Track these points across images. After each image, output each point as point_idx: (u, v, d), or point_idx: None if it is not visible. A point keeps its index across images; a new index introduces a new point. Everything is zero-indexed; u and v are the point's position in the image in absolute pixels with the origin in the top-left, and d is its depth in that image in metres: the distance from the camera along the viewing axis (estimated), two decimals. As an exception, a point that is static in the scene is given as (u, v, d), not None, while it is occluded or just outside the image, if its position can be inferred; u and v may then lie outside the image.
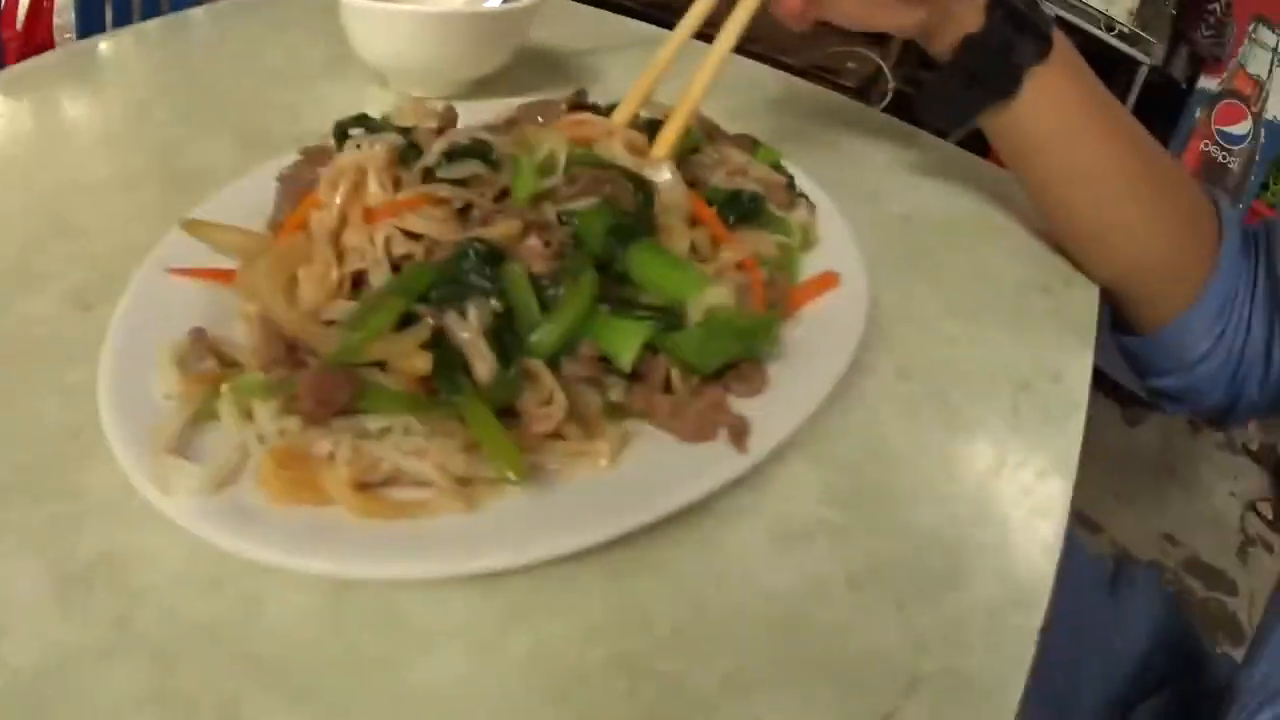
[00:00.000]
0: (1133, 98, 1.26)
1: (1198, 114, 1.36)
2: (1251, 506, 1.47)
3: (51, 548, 0.30)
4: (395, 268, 0.34)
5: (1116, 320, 0.54)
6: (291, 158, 0.41)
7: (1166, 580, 1.34)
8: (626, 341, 0.32)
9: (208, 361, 0.33)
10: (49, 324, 0.38)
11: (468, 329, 0.31)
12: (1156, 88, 1.31)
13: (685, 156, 0.43)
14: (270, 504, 0.29)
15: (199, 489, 0.29)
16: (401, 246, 0.34)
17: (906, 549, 0.33)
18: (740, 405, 0.34)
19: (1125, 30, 1.21)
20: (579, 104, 0.45)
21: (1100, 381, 0.52)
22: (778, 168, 0.46)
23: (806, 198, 0.45)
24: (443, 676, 0.28)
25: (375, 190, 0.35)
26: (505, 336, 0.32)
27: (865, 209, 0.52)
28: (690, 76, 0.42)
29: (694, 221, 0.38)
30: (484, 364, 0.31)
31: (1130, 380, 0.58)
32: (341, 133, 0.39)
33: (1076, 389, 0.43)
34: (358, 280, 0.35)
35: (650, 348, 0.33)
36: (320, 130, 0.40)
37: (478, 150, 0.36)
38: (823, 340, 0.37)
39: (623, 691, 0.28)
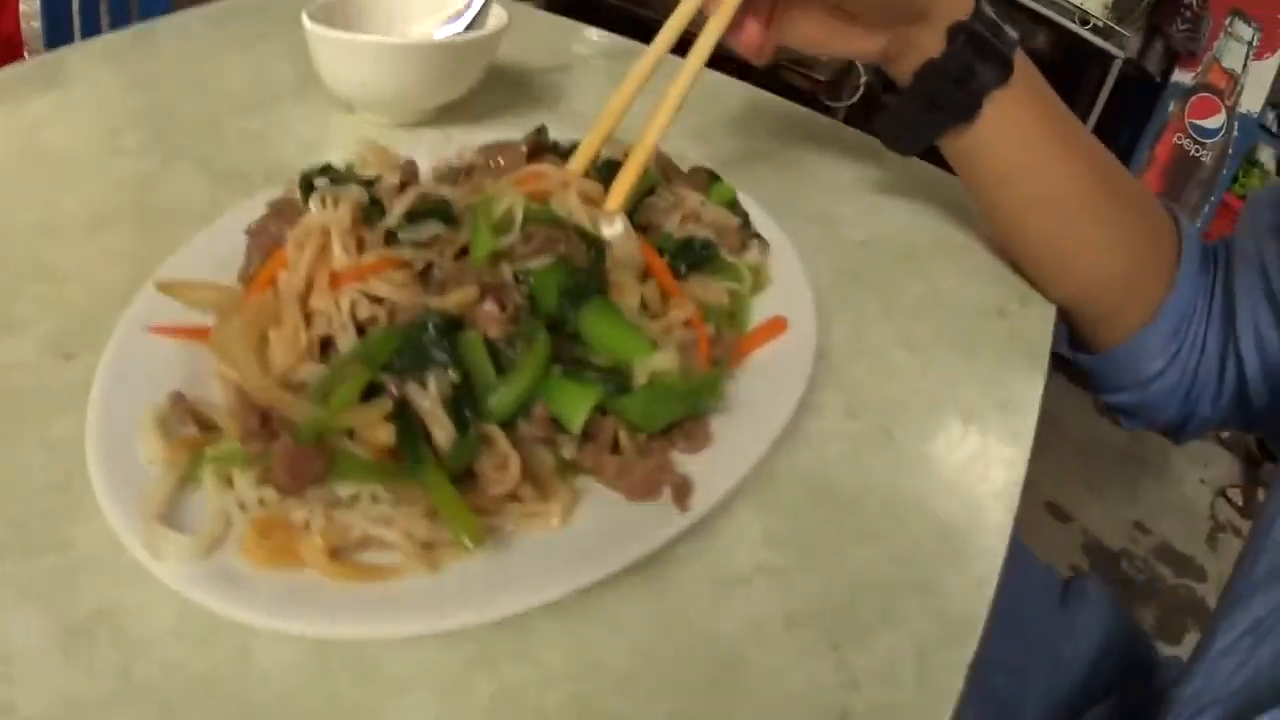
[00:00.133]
0: (1106, 91, 1.26)
1: (1171, 107, 1.37)
2: (1222, 493, 1.52)
3: (51, 601, 0.32)
4: (360, 329, 0.36)
5: (1072, 338, 0.54)
6: (260, 198, 0.43)
7: (1136, 568, 1.38)
8: (576, 405, 0.35)
9: (188, 426, 0.35)
10: (30, 373, 0.39)
11: (427, 398, 0.33)
12: (1131, 80, 1.31)
13: (641, 199, 0.44)
14: (254, 568, 0.32)
15: (188, 557, 0.31)
16: (366, 310, 0.36)
17: (843, 589, 0.35)
18: (685, 461, 0.36)
19: (1100, 24, 1.21)
20: (538, 144, 0.46)
21: (1071, 370, 0.54)
22: (733, 204, 0.47)
23: (759, 237, 0.46)
24: (414, 720, 0.30)
25: (339, 254, 0.36)
26: (463, 403, 0.34)
27: (822, 236, 0.53)
28: (650, 111, 0.43)
29: (645, 274, 0.40)
30: (443, 432, 0.33)
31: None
32: (307, 184, 0.41)
33: (1023, 419, 0.44)
34: (325, 342, 0.36)
35: (600, 408, 0.35)
36: (287, 161, 0.41)
37: (438, 211, 0.38)
38: (768, 390, 0.39)
39: (577, 730, 0.30)
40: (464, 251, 0.38)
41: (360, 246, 0.37)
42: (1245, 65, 1.33)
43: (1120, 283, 0.50)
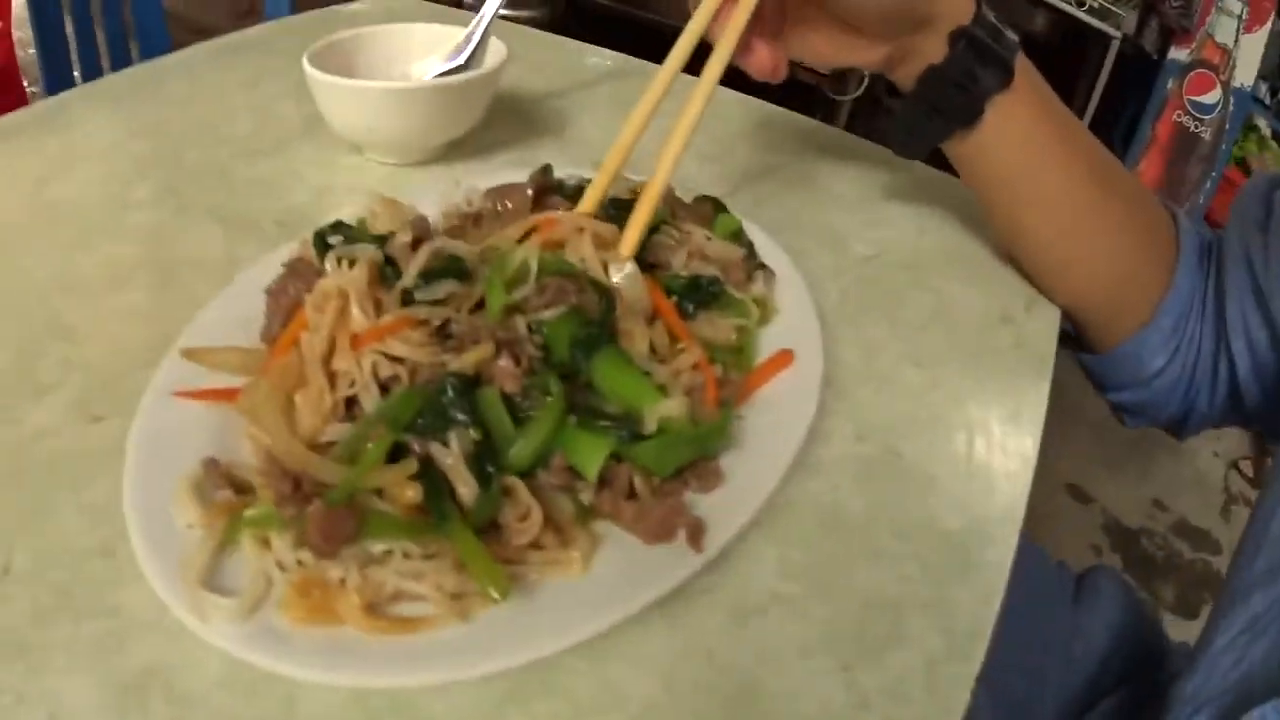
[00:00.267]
0: (1106, 71, 1.26)
1: (1169, 85, 1.36)
2: (1234, 465, 1.52)
3: (101, 662, 0.33)
4: (383, 387, 0.38)
5: (1075, 337, 0.55)
6: (275, 255, 0.44)
7: (1155, 545, 1.39)
8: (592, 455, 0.36)
9: (223, 491, 0.37)
10: (60, 437, 0.41)
11: (450, 456, 0.35)
12: (1129, 60, 1.31)
13: (647, 237, 0.45)
14: (294, 626, 0.33)
15: (232, 618, 0.33)
16: (387, 369, 0.37)
17: (854, 611, 0.36)
18: (698, 501, 0.37)
19: (1095, 4, 1.20)
20: (544, 185, 0.47)
21: (1075, 353, 0.54)
22: (738, 235, 0.48)
23: (765, 267, 0.47)
24: (452, 757, 0.32)
25: (358, 316, 0.38)
26: (484, 457, 0.35)
27: (828, 254, 0.54)
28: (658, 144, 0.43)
29: (653, 316, 0.41)
30: (467, 488, 0.35)
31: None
32: (321, 242, 0.42)
33: (1029, 431, 0.44)
34: (349, 401, 0.38)
35: (614, 455, 0.37)
36: (298, 208, 0.41)
37: (452, 269, 0.39)
38: (777, 424, 0.40)
39: (603, 760, 0.32)
40: (479, 304, 0.40)
41: (378, 306, 0.38)
42: (1237, 39, 1.32)
43: (1122, 281, 0.50)
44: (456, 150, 0.58)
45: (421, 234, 0.41)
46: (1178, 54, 1.34)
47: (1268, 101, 1.39)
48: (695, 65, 0.47)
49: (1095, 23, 1.20)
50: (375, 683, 0.33)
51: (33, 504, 0.38)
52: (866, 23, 0.45)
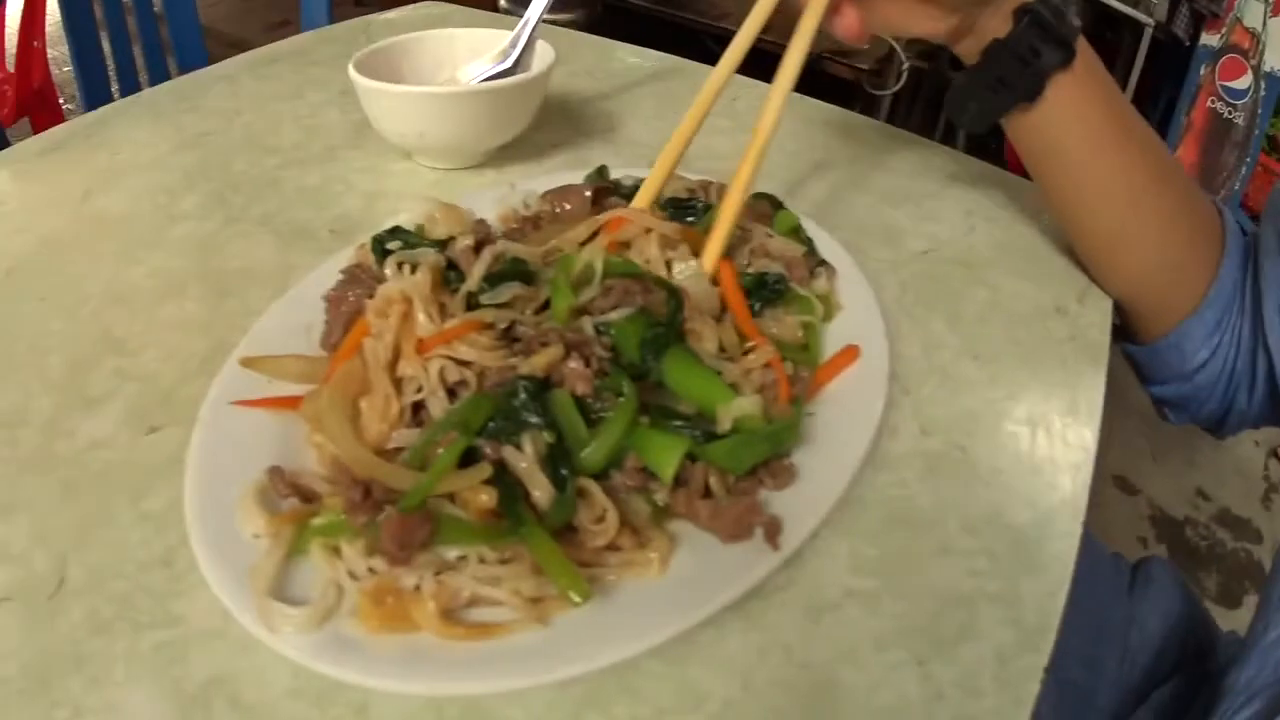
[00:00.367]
0: (1141, 58, 1.24)
1: (1202, 71, 1.34)
2: (1274, 453, 1.50)
3: (164, 674, 0.32)
4: (450, 392, 0.37)
5: (1122, 328, 0.55)
6: (331, 261, 0.43)
7: (1199, 535, 1.37)
8: (667, 457, 0.35)
9: (289, 499, 0.36)
10: (116, 448, 0.40)
11: (525, 460, 0.34)
12: (1162, 46, 1.29)
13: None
14: (368, 634, 0.33)
15: (303, 628, 0.32)
16: (454, 374, 0.37)
17: (927, 606, 0.36)
18: (773, 499, 0.37)
19: None
20: (602, 186, 0.46)
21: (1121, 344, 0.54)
22: (797, 231, 0.47)
23: (826, 263, 0.47)
24: (529, 763, 0.31)
25: (424, 321, 0.37)
26: (558, 460, 0.35)
27: (883, 249, 0.54)
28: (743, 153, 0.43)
29: (719, 315, 0.41)
30: (542, 492, 0.34)
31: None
32: (380, 248, 0.41)
33: (1088, 422, 0.44)
34: (415, 406, 0.37)
35: (689, 455, 0.36)
36: (351, 215, 0.41)
37: (516, 271, 0.38)
38: (846, 419, 0.40)
39: (685, 762, 0.31)
40: (543, 306, 0.39)
41: (441, 311, 0.38)
42: (1264, 23, 1.30)
43: (1170, 270, 0.50)
44: (506, 154, 0.58)
45: (483, 237, 0.40)
46: (1209, 39, 1.32)
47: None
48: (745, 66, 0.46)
49: (1128, 10, 1.19)
50: (452, 690, 0.32)
51: (88, 516, 0.38)
52: None
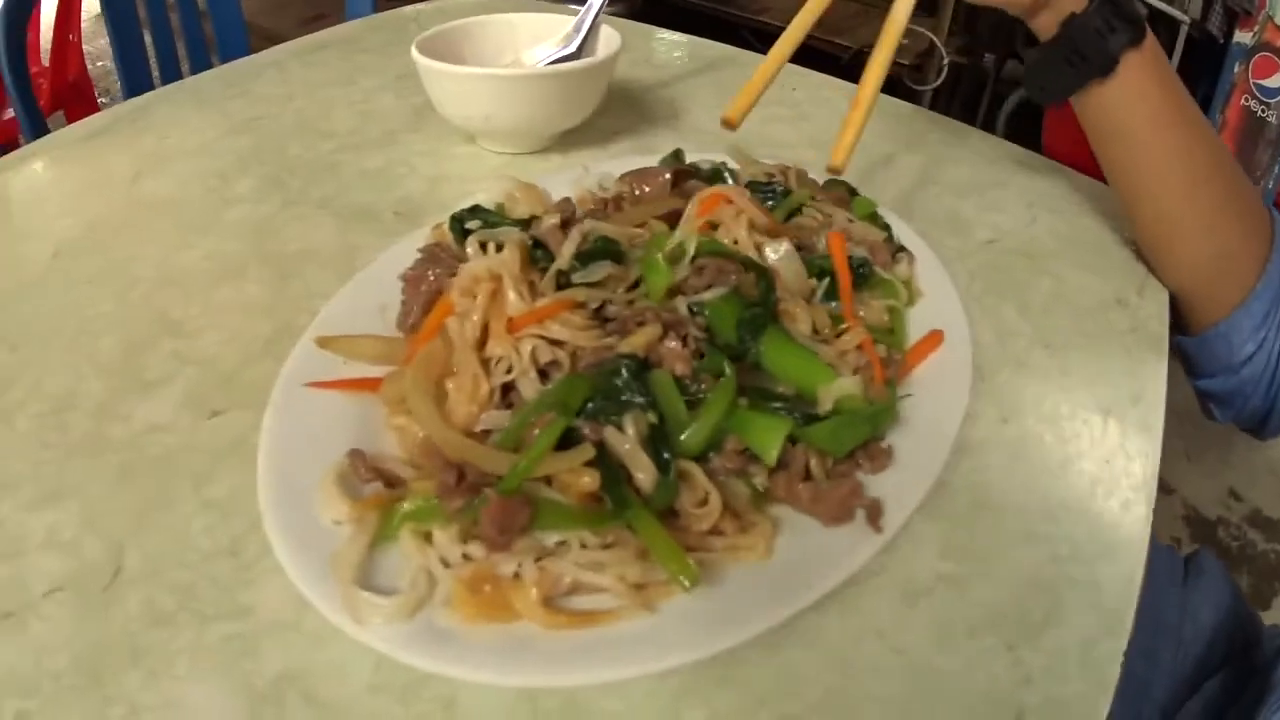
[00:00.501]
0: (1177, 56, 1.24)
1: (1235, 69, 1.34)
2: None
3: (232, 668, 0.31)
4: (541, 373, 0.36)
5: (1172, 322, 0.55)
6: (399, 240, 0.42)
7: (1231, 535, 1.37)
8: (770, 438, 0.34)
9: (373, 484, 0.34)
10: (176, 432, 0.39)
11: (627, 441, 0.33)
12: (1196, 44, 1.29)
13: (790, 217, 0.43)
14: (460, 623, 0.31)
15: (393, 619, 0.31)
16: (546, 354, 0.35)
17: (1014, 592, 0.36)
18: (869, 482, 0.36)
19: None
20: (680, 170, 0.45)
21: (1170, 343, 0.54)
22: (874, 217, 0.46)
23: (906, 249, 0.46)
24: (630, 754, 0.30)
25: (514, 299, 0.36)
26: (658, 442, 0.33)
27: (954, 239, 0.54)
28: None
29: (810, 297, 0.40)
30: (645, 474, 0.32)
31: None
32: (459, 227, 0.40)
33: (1153, 409, 0.45)
34: (505, 388, 0.36)
35: (788, 438, 0.35)
36: (415, 198, 0.40)
37: (607, 250, 0.37)
38: (933, 403, 0.39)
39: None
40: (633, 286, 0.38)
41: (531, 289, 0.36)
42: (1295, 20, 1.29)
43: (1221, 260, 0.51)
44: (570, 140, 0.57)
45: (570, 217, 0.39)
46: (1242, 37, 1.31)
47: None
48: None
49: (1163, 6, 1.19)
50: (553, 682, 0.31)
51: (145, 502, 0.36)
52: None
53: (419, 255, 0.40)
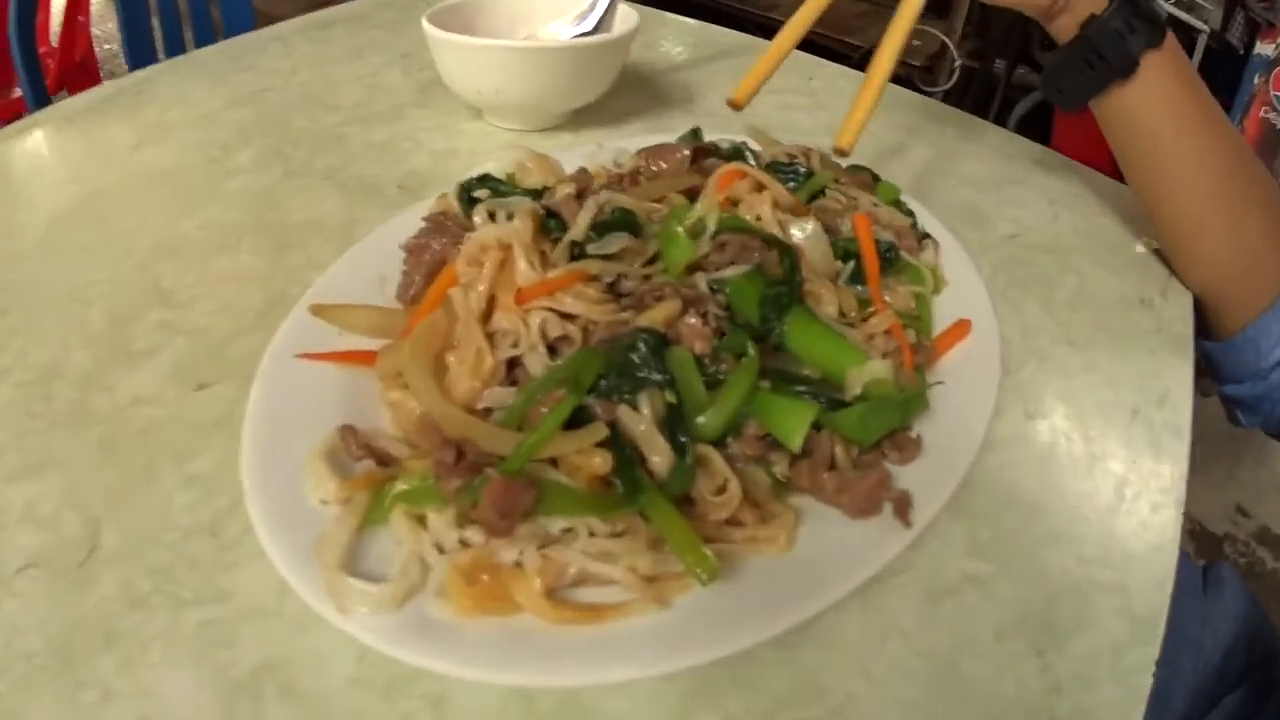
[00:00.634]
0: (1195, 66, 1.22)
1: (1256, 81, 1.32)
2: None
3: (207, 657, 0.28)
4: (550, 348, 0.33)
5: (1199, 326, 0.54)
6: (409, 212, 0.40)
7: (1239, 552, 1.34)
8: (795, 424, 0.32)
9: (364, 461, 0.32)
10: (160, 405, 0.37)
11: (642, 421, 0.30)
12: (1216, 55, 1.28)
13: (813, 199, 0.41)
14: (455, 615, 0.29)
15: (380, 608, 0.28)
16: (556, 328, 0.33)
17: (1043, 595, 0.34)
18: (897, 474, 0.34)
19: None
20: (700, 148, 0.43)
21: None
22: (898, 203, 0.44)
23: (930, 236, 0.44)
24: (634, 761, 0.27)
25: (525, 269, 0.33)
26: (675, 424, 0.31)
27: (974, 233, 0.52)
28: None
29: (836, 278, 0.37)
30: (661, 457, 0.30)
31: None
32: (467, 196, 0.38)
33: (1181, 411, 0.43)
34: (510, 364, 0.33)
35: (813, 424, 0.32)
36: (421, 171, 0.38)
37: (624, 222, 0.35)
38: (961, 394, 0.37)
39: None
40: (650, 261, 0.35)
41: (543, 260, 0.34)
42: (1322, 33, 1.28)
43: (1248, 264, 0.50)
44: (581, 119, 0.55)
45: (586, 188, 0.37)
46: (1263, 49, 1.30)
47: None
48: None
49: (1183, 15, 1.18)
50: (554, 681, 0.28)
51: (126, 477, 0.34)
52: None
53: (423, 224, 0.38)
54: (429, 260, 0.37)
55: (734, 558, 0.31)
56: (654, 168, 0.41)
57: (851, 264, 0.39)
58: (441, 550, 0.30)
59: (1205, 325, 0.54)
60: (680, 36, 0.73)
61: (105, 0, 0.88)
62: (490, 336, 0.34)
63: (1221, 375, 0.54)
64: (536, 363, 0.33)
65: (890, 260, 0.40)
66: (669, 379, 0.31)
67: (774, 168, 0.42)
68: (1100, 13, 0.46)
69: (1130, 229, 0.55)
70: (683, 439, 0.31)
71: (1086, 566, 0.35)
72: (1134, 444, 0.41)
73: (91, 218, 0.47)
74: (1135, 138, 0.50)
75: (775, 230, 0.37)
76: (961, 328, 0.40)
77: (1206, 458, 1.44)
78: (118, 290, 0.42)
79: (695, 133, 0.44)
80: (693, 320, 0.32)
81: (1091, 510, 0.37)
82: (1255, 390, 0.52)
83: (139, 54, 0.86)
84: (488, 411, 0.33)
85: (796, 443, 0.32)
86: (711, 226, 0.35)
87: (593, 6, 0.54)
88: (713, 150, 0.43)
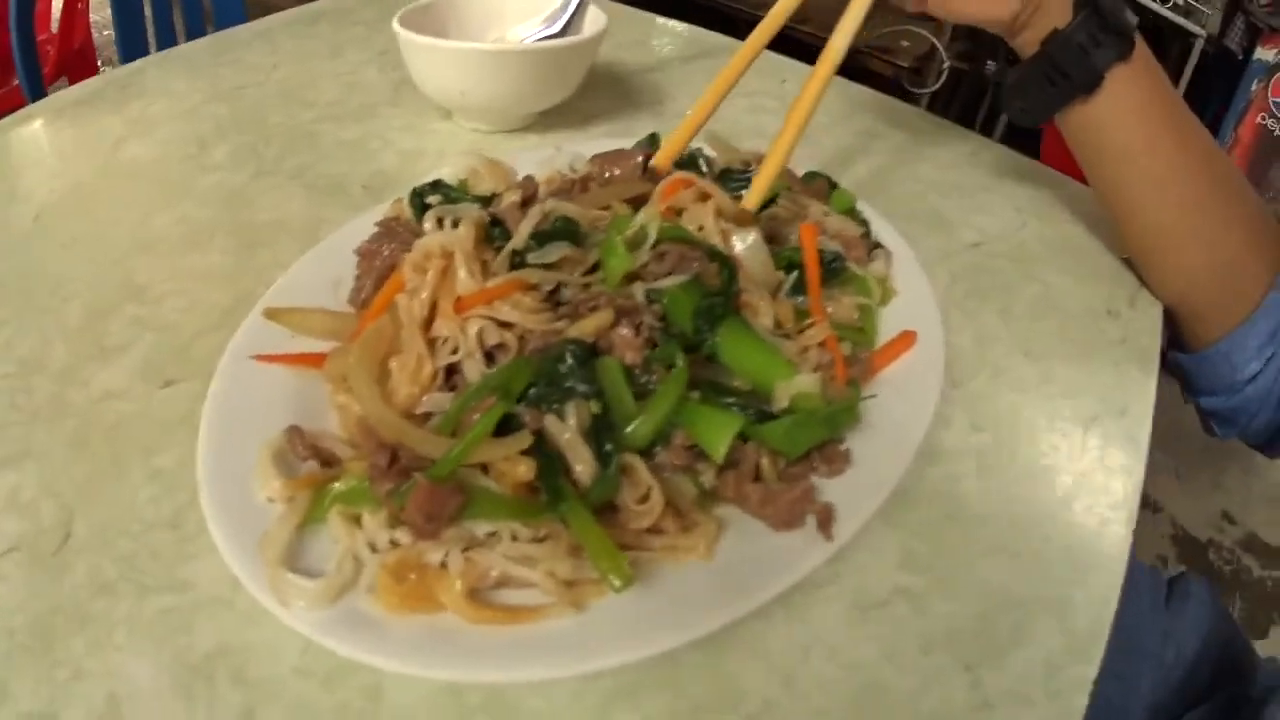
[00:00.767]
0: (1189, 70, 1.21)
1: (1254, 86, 1.30)
2: None
3: (166, 642, 0.30)
4: (488, 356, 0.34)
5: (1171, 337, 0.53)
6: (366, 215, 0.41)
7: (1223, 559, 1.33)
8: (719, 435, 0.33)
9: (308, 462, 0.33)
10: (129, 400, 0.39)
11: (567, 430, 0.31)
12: (1213, 60, 1.26)
13: (764, 208, 0.42)
14: (385, 612, 0.30)
15: (316, 603, 0.30)
16: (494, 336, 0.34)
17: (977, 610, 0.34)
18: (825, 486, 0.34)
19: (1180, 2, 1.16)
20: (653, 153, 0.44)
21: (1161, 359, 0.51)
22: (853, 212, 0.45)
23: (882, 247, 0.44)
24: (554, 757, 0.29)
25: (465, 277, 0.35)
26: (602, 433, 0.32)
27: (936, 239, 0.52)
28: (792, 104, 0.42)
29: (775, 290, 0.38)
30: (585, 466, 0.31)
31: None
32: (419, 201, 0.39)
33: (1140, 425, 0.43)
34: (449, 370, 0.35)
35: (739, 435, 0.33)
36: (387, 171, 0.39)
37: (565, 231, 0.36)
38: (899, 406, 0.37)
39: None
40: (590, 270, 0.36)
41: (483, 269, 0.35)
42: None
43: (1224, 273, 0.49)
44: (549, 120, 0.56)
45: (531, 194, 0.38)
46: (1264, 54, 1.28)
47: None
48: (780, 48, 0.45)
49: (1180, 20, 1.16)
50: (476, 678, 0.30)
51: (97, 470, 0.36)
52: None
53: (375, 229, 0.39)
54: (380, 265, 0.38)
55: (655, 565, 0.32)
56: (607, 174, 0.42)
57: (795, 274, 0.39)
58: (374, 549, 0.31)
59: (1177, 336, 0.53)
60: (655, 36, 0.73)
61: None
62: (431, 343, 0.35)
63: (1194, 387, 0.53)
64: (474, 370, 0.34)
65: (836, 271, 0.40)
66: (595, 389, 0.32)
67: (726, 175, 0.42)
68: (1063, 27, 0.45)
69: (1102, 238, 0.54)
70: (608, 448, 0.32)
71: (1027, 582, 0.35)
72: (1086, 457, 0.41)
73: (75, 212, 0.49)
74: (1101, 152, 0.49)
75: (717, 240, 0.38)
76: (905, 340, 0.40)
77: (1191, 462, 1.43)
78: (95, 285, 0.44)
79: (652, 138, 0.45)
80: (625, 331, 0.33)
81: (1036, 525, 0.37)
82: (1229, 403, 0.51)
83: (130, 42, 0.88)
84: (427, 416, 0.34)
85: (719, 453, 0.32)
86: (653, 236, 0.36)
87: (563, 7, 0.54)
88: (667, 157, 0.44)
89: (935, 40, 1.05)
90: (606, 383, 0.32)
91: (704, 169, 0.44)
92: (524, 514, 0.31)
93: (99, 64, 1.06)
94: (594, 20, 0.55)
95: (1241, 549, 1.36)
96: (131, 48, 0.88)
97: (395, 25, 0.50)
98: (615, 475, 0.32)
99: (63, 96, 0.60)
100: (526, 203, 0.37)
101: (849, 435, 0.36)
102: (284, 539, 0.31)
